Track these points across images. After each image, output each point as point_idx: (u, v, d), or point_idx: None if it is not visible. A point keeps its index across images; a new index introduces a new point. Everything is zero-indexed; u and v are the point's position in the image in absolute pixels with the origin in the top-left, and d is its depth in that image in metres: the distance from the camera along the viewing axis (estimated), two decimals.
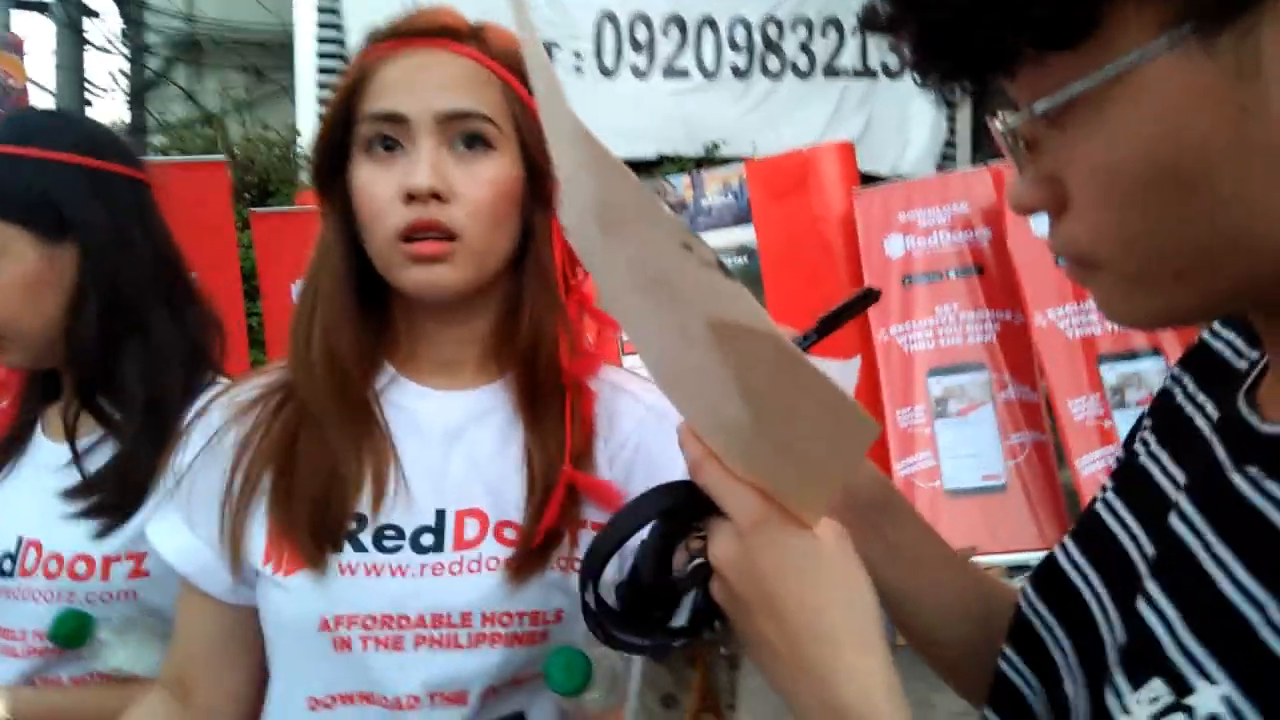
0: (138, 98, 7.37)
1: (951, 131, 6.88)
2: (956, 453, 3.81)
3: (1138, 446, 0.56)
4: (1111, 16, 0.39)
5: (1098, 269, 0.45)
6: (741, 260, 4.42)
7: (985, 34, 0.41)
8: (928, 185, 4.17)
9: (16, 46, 6.51)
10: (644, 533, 0.56)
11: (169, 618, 0.93)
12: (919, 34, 0.45)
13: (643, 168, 5.85)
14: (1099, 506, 0.55)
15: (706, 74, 6.31)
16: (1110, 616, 0.48)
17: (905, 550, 0.67)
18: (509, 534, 0.81)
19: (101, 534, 1.05)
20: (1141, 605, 0.44)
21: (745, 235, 4.41)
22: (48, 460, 1.12)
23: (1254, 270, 0.41)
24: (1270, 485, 0.42)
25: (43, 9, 8.31)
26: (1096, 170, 0.42)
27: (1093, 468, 3.40)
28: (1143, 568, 0.47)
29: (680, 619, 0.58)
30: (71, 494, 1.07)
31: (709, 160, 5.71)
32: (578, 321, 0.89)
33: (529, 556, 0.79)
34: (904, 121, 6.59)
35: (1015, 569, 3.27)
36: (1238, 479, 0.43)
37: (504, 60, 0.84)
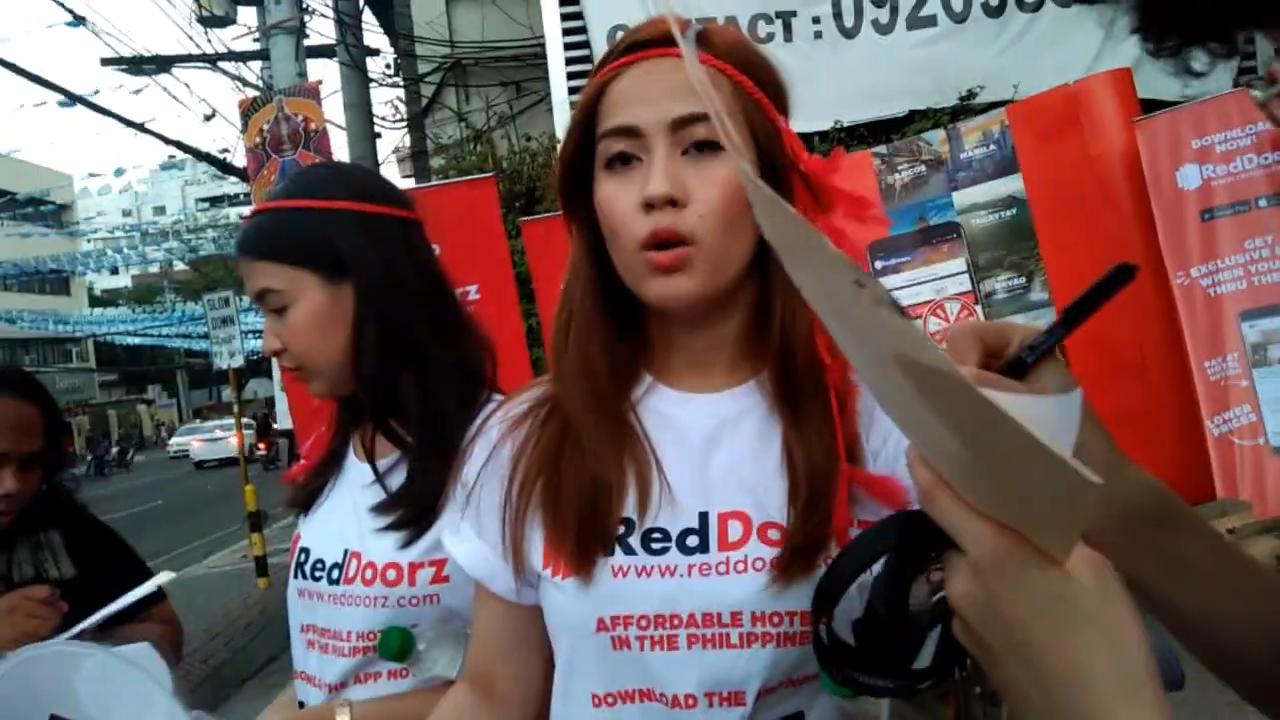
0: (416, 123, 8.09)
1: (1249, 41, 6.02)
2: None
3: None
4: None
5: None
6: (1010, 213, 4.13)
7: None
8: (1225, 103, 3.69)
9: (313, 92, 7.36)
10: (879, 567, 0.53)
11: (469, 619, 1.02)
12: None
13: (894, 126, 5.62)
14: None
15: (955, 17, 5.93)
16: None
17: (1189, 566, 0.60)
18: (773, 535, 0.82)
19: (406, 544, 1.17)
20: None
21: (1013, 186, 4.12)
22: (358, 478, 1.26)
23: None
24: None
25: (329, 54, 9.32)
26: None
27: None
28: None
29: (925, 658, 0.54)
30: (377, 510, 1.20)
31: (965, 110, 5.37)
32: None
33: (795, 557, 0.80)
34: None
35: None
36: None
37: (731, 59, 0.85)
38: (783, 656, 0.79)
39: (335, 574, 1.21)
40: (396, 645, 1.11)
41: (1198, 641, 0.62)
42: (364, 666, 1.19)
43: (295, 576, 1.26)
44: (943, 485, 0.46)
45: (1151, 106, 4.13)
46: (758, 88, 0.86)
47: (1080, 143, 4.00)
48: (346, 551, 1.21)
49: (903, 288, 4.03)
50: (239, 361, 7.90)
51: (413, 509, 1.17)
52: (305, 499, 1.30)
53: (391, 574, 1.17)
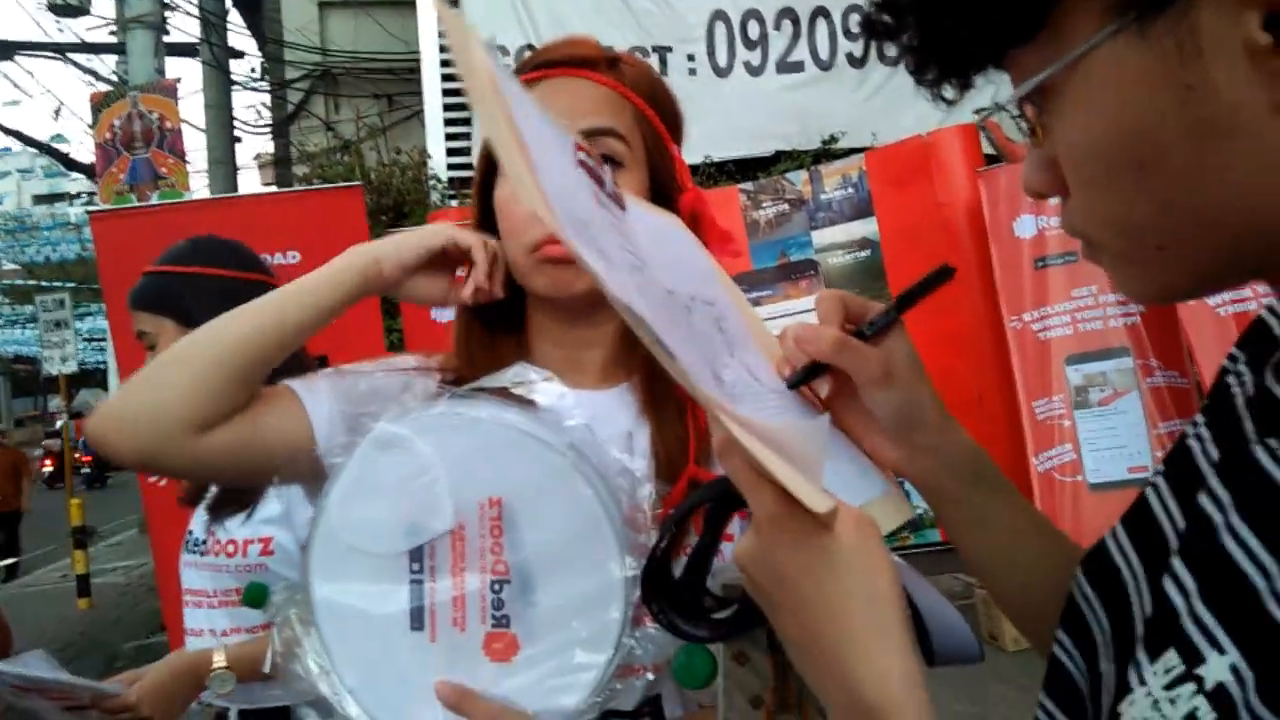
0: (280, 130, 7.82)
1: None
2: (1099, 445, 3.64)
3: (1188, 427, 0.55)
4: (1061, 13, 0.43)
5: (1099, 248, 0.48)
6: (865, 254, 4.33)
7: (959, 36, 0.47)
8: None
9: (170, 90, 7.04)
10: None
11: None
12: (917, 40, 0.49)
13: (760, 165, 5.82)
14: (1148, 490, 0.54)
15: (822, 65, 6.22)
16: (1142, 593, 0.49)
17: (996, 522, 0.67)
18: None
19: (243, 523, 1.52)
20: (1166, 580, 0.45)
21: (867, 228, 4.33)
22: None
23: (1237, 243, 0.43)
24: None
25: (191, 53, 8.93)
26: (1069, 153, 0.46)
27: None
28: (1174, 544, 0.47)
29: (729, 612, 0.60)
30: (214, 500, 1.57)
31: (827, 154, 5.63)
32: None
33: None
34: None
35: None
36: (1258, 451, 0.43)
37: (637, 87, 0.92)
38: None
39: (200, 547, 1.56)
40: (253, 596, 1.39)
41: (994, 590, 0.70)
42: (235, 619, 1.54)
43: (182, 551, 1.61)
44: (734, 445, 0.50)
45: (995, 160, 4.43)
46: (659, 118, 0.93)
47: (929, 191, 4.25)
48: (208, 529, 1.56)
49: (763, 321, 4.16)
50: (71, 367, 7.41)
51: (230, 497, 1.53)
52: (193, 495, 1.63)
53: (231, 547, 1.52)
